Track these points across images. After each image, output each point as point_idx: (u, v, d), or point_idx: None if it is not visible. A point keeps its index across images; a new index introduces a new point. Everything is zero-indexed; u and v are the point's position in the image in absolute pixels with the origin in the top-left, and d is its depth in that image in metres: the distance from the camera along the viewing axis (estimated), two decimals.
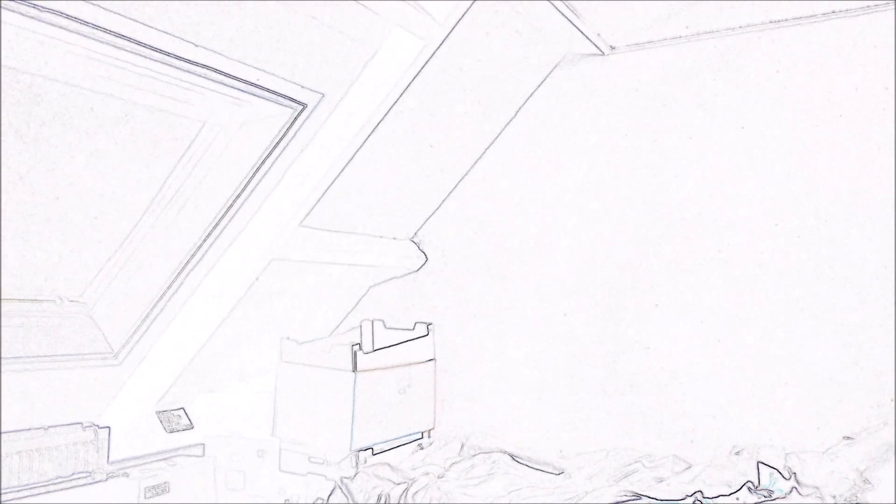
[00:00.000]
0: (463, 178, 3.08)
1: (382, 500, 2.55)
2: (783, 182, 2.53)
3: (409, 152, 2.76)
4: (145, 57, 1.91)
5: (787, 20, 2.50)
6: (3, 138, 1.91)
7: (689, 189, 2.67)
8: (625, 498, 2.37)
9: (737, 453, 2.43)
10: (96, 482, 2.41)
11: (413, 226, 3.14)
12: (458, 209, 3.10)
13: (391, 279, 3.19)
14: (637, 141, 2.77)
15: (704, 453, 2.55)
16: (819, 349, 2.44)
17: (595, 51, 2.80)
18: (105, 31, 1.78)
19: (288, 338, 2.87)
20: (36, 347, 2.26)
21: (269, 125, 2.34)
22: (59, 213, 2.16)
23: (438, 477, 2.61)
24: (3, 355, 2.16)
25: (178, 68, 1.99)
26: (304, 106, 2.33)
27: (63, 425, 2.37)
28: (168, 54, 1.93)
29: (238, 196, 2.41)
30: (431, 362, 3.05)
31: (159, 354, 2.57)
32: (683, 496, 2.30)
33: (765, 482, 2.27)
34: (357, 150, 2.52)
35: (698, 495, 2.28)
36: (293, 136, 2.36)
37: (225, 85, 2.12)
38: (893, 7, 2.35)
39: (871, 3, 2.37)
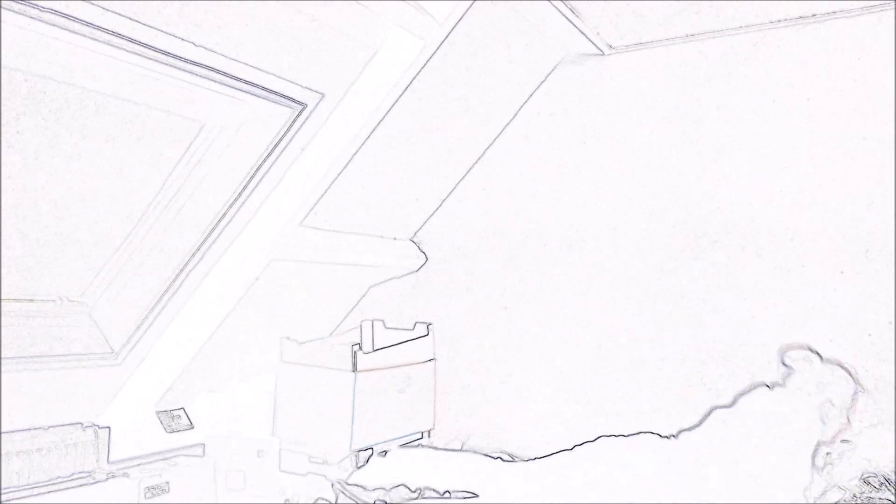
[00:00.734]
0: (463, 178, 3.08)
1: None
2: (782, 182, 2.53)
3: (409, 152, 2.76)
4: (145, 57, 1.91)
5: (786, 20, 2.50)
6: (3, 138, 1.91)
7: (689, 189, 2.67)
8: None
9: None
10: (96, 482, 2.41)
11: (413, 226, 3.14)
12: (458, 209, 3.10)
13: (391, 279, 3.19)
14: (637, 141, 2.77)
15: None
16: (820, 346, 2.44)
17: (595, 51, 2.80)
18: (105, 31, 1.78)
19: (288, 338, 2.87)
20: (36, 347, 2.26)
21: (269, 125, 2.34)
22: (59, 213, 2.16)
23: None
24: (3, 355, 2.16)
25: (179, 68, 1.99)
26: (304, 106, 2.33)
27: (63, 425, 2.37)
28: (168, 54, 1.93)
29: (238, 196, 2.41)
30: (431, 362, 3.05)
31: (159, 354, 2.57)
32: None
33: None
34: (357, 150, 2.52)
35: None
36: (293, 136, 2.37)
37: (225, 85, 2.12)
38: (893, 7, 2.35)
39: (871, 3, 2.37)
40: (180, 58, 1.96)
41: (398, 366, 2.89)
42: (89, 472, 2.41)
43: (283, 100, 2.26)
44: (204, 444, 2.79)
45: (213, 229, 2.43)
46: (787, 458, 2.19)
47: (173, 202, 2.37)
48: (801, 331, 2.48)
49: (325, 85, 2.31)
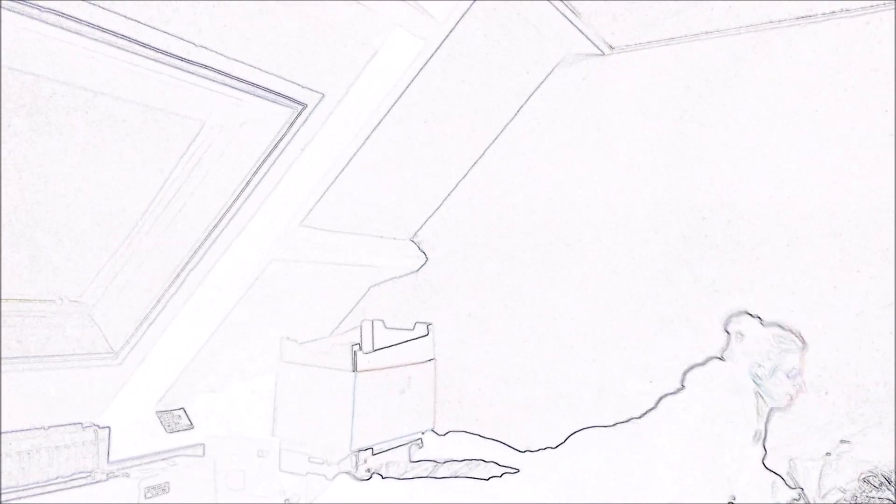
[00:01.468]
0: (463, 178, 3.08)
1: None
2: (783, 182, 2.53)
3: (409, 152, 2.76)
4: (145, 57, 1.91)
5: (786, 20, 2.50)
6: (3, 138, 1.91)
7: (689, 189, 2.67)
8: None
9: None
10: (96, 482, 2.41)
11: (413, 226, 3.14)
12: (458, 209, 3.10)
13: (391, 279, 3.19)
14: (637, 141, 2.77)
15: None
16: (820, 346, 2.45)
17: (595, 51, 2.80)
18: (105, 31, 1.78)
19: (288, 338, 2.87)
20: (36, 347, 2.26)
21: (269, 125, 2.34)
22: (59, 212, 2.16)
23: None
24: (3, 355, 2.16)
25: (178, 68, 1.99)
26: (304, 106, 2.33)
27: (63, 425, 2.37)
28: (168, 54, 1.93)
29: (238, 196, 2.40)
30: (431, 362, 3.05)
31: (159, 354, 2.57)
32: None
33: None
34: (357, 150, 2.52)
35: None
36: (293, 136, 2.36)
37: (225, 85, 2.12)
38: (893, 7, 2.35)
39: (871, 3, 2.37)
40: (180, 58, 1.96)
41: (398, 366, 2.89)
42: (89, 472, 2.41)
43: (283, 100, 2.26)
44: (204, 444, 2.79)
45: (213, 229, 2.43)
46: (736, 429, 2.19)
47: (173, 202, 2.37)
48: (801, 329, 2.48)
49: (325, 85, 2.31)
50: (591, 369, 2.82)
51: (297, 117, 2.34)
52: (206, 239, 2.44)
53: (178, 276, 2.46)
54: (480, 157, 3.04)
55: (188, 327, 2.58)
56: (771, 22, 2.52)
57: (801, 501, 2.25)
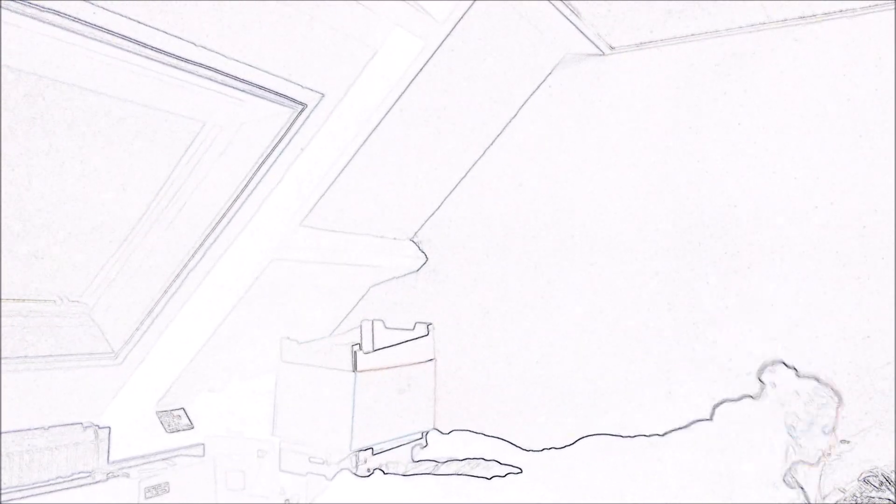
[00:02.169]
0: (463, 178, 3.08)
1: None
2: (782, 182, 2.53)
3: (409, 152, 2.76)
4: (145, 57, 1.91)
5: (787, 20, 2.50)
6: (3, 138, 1.91)
7: (689, 189, 2.67)
8: None
9: None
10: (96, 482, 2.41)
11: (413, 226, 3.14)
12: (458, 209, 3.10)
13: (391, 279, 3.19)
14: (637, 141, 2.77)
15: None
16: (820, 347, 2.45)
17: (595, 51, 2.80)
18: (105, 31, 1.78)
19: (288, 338, 2.87)
20: (36, 347, 2.26)
21: (269, 125, 2.34)
22: (59, 213, 2.16)
23: None
24: (3, 355, 2.16)
25: (178, 68, 1.99)
26: (304, 106, 2.33)
27: (63, 425, 2.37)
28: (168, 54, 1.93)
29: (238, 196, 2.41)
30: (431, 362, 3.05)
31: (159, 354, 2.57)
32: None
33: None
34: (357, 150, 2.52)
35: None
36: (293, 136, 2.36)
37: (225, 85, 2.12)
38: (893, 7, 2.35)
39: (871, 3, 2.37)
40: (180, 58, 1.96)
41: (398, 366, 2.89)
42: (89, 472, 2.41)
43: (283, 100, 2.26)
44: (204, 444, 2.79)
45: (213, 229, 2.43)
46: (757, 471, 2.19)
47: (173, 202, 2.37)
48: (801, 331, 2.48)
49: (325, 85, 2.31)
50: (591, 369, 2.82)
51: (297, 117, 2.34)
52: (206, 239, 2.44)
53: (178, 276, 2.46)
54: (480, 157, 3.04)
55: (188, 327, 2.58)
56: (771, 22, 2.52)
57: (802, 501, 2.25)
